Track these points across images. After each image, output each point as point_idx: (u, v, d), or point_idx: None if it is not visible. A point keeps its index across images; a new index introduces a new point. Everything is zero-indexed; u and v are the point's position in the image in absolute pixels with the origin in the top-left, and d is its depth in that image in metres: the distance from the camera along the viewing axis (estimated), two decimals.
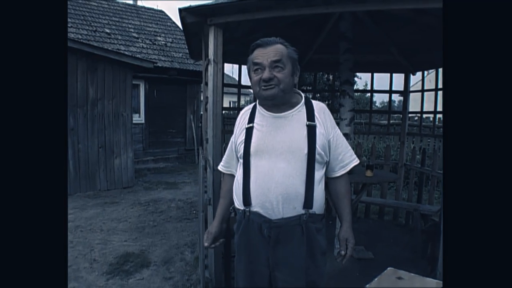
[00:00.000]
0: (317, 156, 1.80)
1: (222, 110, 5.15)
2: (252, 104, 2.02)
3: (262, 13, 2.64)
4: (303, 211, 1.79)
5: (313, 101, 1.96)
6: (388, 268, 2.43)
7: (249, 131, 1.89)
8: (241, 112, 2.04)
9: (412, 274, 2.32)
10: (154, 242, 4.63)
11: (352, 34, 3.86)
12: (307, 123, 1.83)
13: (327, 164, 1.93)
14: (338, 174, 1.95)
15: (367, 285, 2.21)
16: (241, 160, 1.91)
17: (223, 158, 2.17)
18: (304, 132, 1.81)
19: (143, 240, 4.72)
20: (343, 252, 1.90)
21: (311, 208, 1.80)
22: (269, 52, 1.78)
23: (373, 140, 9.45)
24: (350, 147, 1.98)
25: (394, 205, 5.31)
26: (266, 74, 1.76)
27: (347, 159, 1.94)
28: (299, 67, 1.91)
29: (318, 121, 1.86)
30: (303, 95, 1.95)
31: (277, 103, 1.85)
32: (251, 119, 1.92)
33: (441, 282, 2.14)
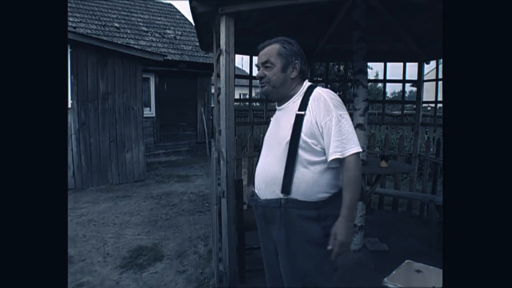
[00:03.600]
0: (302, 144, 1.85)
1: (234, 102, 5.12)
2: None
3: (273, 1, 2.59)
4: (281, 195, 1.89)
5: (316, 89, 1.94)
6: (406, 261, 2.39)
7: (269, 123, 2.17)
8: None
9: (431, 267, 2.27)
10: (167, 236, 4.63)
11: (365, 22, 3.78)
12: (297, 112, 1.90)
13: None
14: (330, 164, 1.86)
15: (385, 279, 2.17)
16: None
17: None
18: (291, 121, 1.90)
19: (155, 233, 4.72)
20: (329, 247, 1.81)
21: (289, 193, 1.87)
22: (261, 55, 2.02)
23: (386, 130, 9.36)
24: (344, 137, 1.82)
25: (408, 197, 5.23)
26: (258, 73, 2.04)
27: (338, 147, 1.80)
28: (304, 58, 2.03)
29: (309, 110, 1.88)
30: (306, 85, 2.00)
31: (274, 98, 2.07)
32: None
33: None
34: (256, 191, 2.05)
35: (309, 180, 1.86)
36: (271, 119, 2.14)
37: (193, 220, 5.25)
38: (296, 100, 1.96)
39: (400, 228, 4.78)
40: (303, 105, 1.90)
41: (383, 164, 3.73)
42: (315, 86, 1.97)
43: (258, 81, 2.09)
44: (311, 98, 1.90)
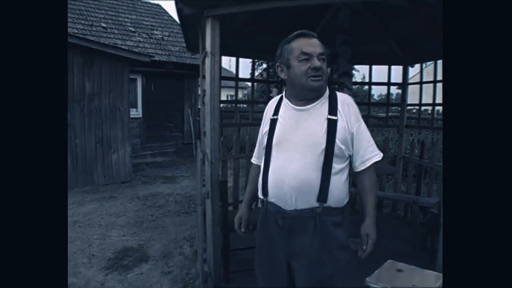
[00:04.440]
0: (336, 151, 1.80)
1: (220, 104, 5.14)
2: (279, 96, 2.04)
3: (259, 4, 2.61)
4: (316, 204, 1.79)
5: (338, 93, 1.94)
6: (388, 261, 2.43)
7: (273, 123, 1.93)
8: (269, 103, 2.07)
9: (412, 267, 2.32)
10: (153, 237, 4.63)
11: (349, 26, 3.83)
12: (328, 116, 1.83)
13: (351, 158, 1.91)
14: (358, 169, 1.93)
15: (367, 278, 2.21)
16: (264, 151, 1.96)
17: (255, 151, 2.19)
18: (324, 126, 1.81)
19: (141, 234, 4.71)
20: (364, 247, 1.91)
21: (325, 201, 1.79)
22: (315, 44, 1.81)
23: (372, 132, 9.38)
24: (373, 142, 1.94)
25: (392, 198, 5.30)
26: (318, 63, 1.78)
27: (368, 154, 1.91)
28: None
29: (340, 114, 1.84)
30: (328, 88, 1.94)
31: (316, 95, 1.87)
32: (276, 111, 1.96)
33: (441, 274, 2.15)
34: (275, 200, 1.86)
35: (340, 187, 1.85)
36: (278, 117, 1.93)
37: (179, 221, 5.25)
38: (324, 102, 1.88)
39: (385, 229, 4.81)
40: (333, 109, 1.85)
41: None
42: (334, 89, 1.97)
43: (301, 72, 1.80)
44: (339, 102, 1.88)
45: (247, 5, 2.64)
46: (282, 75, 1.91)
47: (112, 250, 4.18)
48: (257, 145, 2.15)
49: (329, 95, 1.90)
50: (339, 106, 1.86)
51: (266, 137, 1.93)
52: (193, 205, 5.99)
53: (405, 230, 4.79)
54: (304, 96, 1.88)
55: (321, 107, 1.86)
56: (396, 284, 2.16)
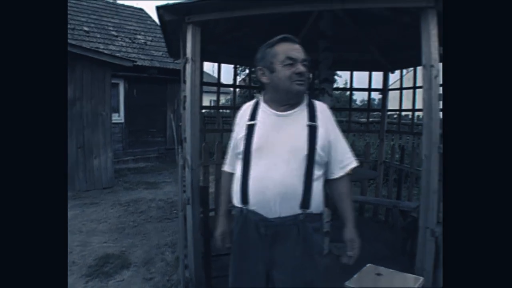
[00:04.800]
0: (317, 157, 1.81)
1: (202, 109, 5.13)
2: (254, 101, 2.01)
3: (240, 11, 2.63)
4: (300, 211, 1.79)
5: (316, 101, 1.97)
6: (368, 265, 2.46)
7: (251, 128, 1.88)
8: (242, 109, 2.03)
9: (391, 270, 2.34)
10: (135, 243, 4.59)
11: (331, 32, 3.87)
12: (308, 123, 1.84)
13: (327, 165, 1.92)
14: (337, 176, 1.94)
15: (347, 282, 2.23)
16: (240, 157, 1.90)
17: (228, 158, 2.13)
18: (305, 132, 1.82)
19: (123, 241, 4.67)
20: (349, 253, 1.94)
21: (308, 208, 1.80)
22: (299, 49, 1.83)
23: (353, 138, 9.53)
24: (349, 149, 1.99)
25: (373, 202, 5.36)
26: (303, 68, 1.80)
27: (346, 160, 1.94)
28: None
29: (319, 122, 1.86)
30: (306, 95, 1.95)
31: (299, 100, 1.88)
32: (253, 116, 1.92)
33: (420, 277, 2.19)
34: (257, 208, 1.82)
35: (320, 193, 1.87)
36: (257, 122, 1.89)
37: (161, 227, 5.22)
38: (303, 109, 1.89)
39: (366, 233, 4.85)
40: (312, 116, 1.87)
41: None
42: (312, 97, 1.99)
43: (285, 77, 1.80)
44: (318, 109, 1.90)
45: (228, 12, 2.65)
46: (264, 79, 1.89)
47: (93, 257, 4.13)
48: (229, 152, 2.11)
49: (308, 103, 1.92)
50: (317, 114, 1.88)
51: (243, 142, 1.87)
52: (175, 211, 5.95)
53: (386, 234, 4.85)
54: (287, 101, 1.87)
55: (301, 113, 1.87)
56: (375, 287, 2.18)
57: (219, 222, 2.13)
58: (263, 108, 1.93)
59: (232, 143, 2.05)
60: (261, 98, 1.98)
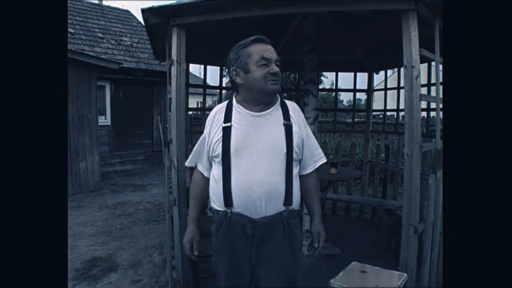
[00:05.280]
0: (294, 155, 1.87)
1: (188, 111, 5.13)
2: (225, 102, 2.01)
3: (225, 13, 2.65)
4: (283, 208, 1.84)
5: (286, 101, 2.02)
6: (353, 263, 2.50)
7: (227, 130, 1.87)
8: (214, 110, 2.02)
9: (376, 267, 2.39)
10: (122, 246, 4.58)
11: (316, 34, 3.91)
12: (284, 122, 1.89)
13: (300, 162, 2.00)
14: (308, 171, 2.03)
15: (332, 280, 2.27)
16: (218, 159, 1.89)
17: (191, 154, 2.10)
18: (282, 131, 1.86)
19: (110, 243, 4.65)
20: (316, 245, 2.01)
21: (291, 204, 1.86)
22: (272, 50, 1.86)
23: (339, 138, 9.61)
24: (318, 145, 2.08)
25: (359, 202, 5.43)
26: (277, 68, 1.83)
27: (316, 156, 2.03)
28: None
29: (293, 120, 1.92)
30: (278, 96, 2.00)
31: (272, 99, 1.92)
32: (228, 118, 1.91)
33: (404, 273, 2.24)
34: (242, 209, 1.82)
35: (298, 189, 1.94)
36: (233, 123, 1.88)
37: (148, 230, 5.21)
38: (277, 108, 1.93)
39: (352, 232, 4.94)
40: (287, 115, 1.91)
41: (333, 170, 3.86)
42: (282, 97, 2.05)
43: (260, 77, 1.82)
44: (290, 109, 1.96)
45: (213, 14, 2.68)
46: (238, 80, 1.88)
47: (80, 260, 4.12)
48: (194, 150, 2.07)
49: (281, 102, 1.97)
50: (290, 113, 1.94)
51: (220, 145, 1.86)
52: (162, 213, 5.95)
53: (372, 232, 4.91)
54: (261, 101, 1.89)
55: (276, 113, 1.91)
56: (359, 284, 2.21)
57: (187, 228, 2.09)
58: (238, 109, 1.92)
59: (201, 143, 2.03)
60: (234, 99, 1.98)
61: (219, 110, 1.99)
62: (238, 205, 1.82)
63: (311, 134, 2.04)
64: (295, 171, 1.91)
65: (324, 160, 2.07)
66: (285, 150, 1.83)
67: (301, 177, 2.02)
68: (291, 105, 2.00)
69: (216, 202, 1.90)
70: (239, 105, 1.93)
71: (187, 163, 2.17)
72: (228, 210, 1.84)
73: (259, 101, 1.89)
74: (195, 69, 53.57)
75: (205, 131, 2.00)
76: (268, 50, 1.84)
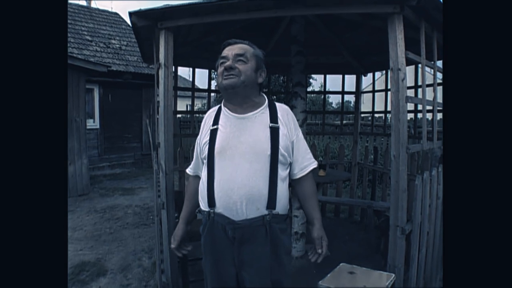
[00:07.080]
0: (280, 158, 1.84)
1: (177, 114, 5.12)
2: (217, 106, 2.04)
3: (212, 16, 2.66)
4: (266, 212, 1.81)
5: (277, 104, 2.00)
6: (341, 264, 2.51)
7: (213, 133, 1.90)
8: (207, 114, 2.06)
9: (364, 268, 2.40)
10: (111, 250, 4.54)
11: (303, 37, 3.94)
12: (270, 124, 1.87)
13: (290, 166, 1.97)
14: (297, 176, 1.99)
15: (320, 282, 2.27)
16: (205, 161, 1.92)
17: (192, 162, 2.17)
18: (267, 133, 1.84)
19: (99, 248, 4.61)
20: (319, 251, 1.95)
21: (274, 208, 1.82)
22: (235, 48, 1.87)
23: (328, 140, 9.67)
24: (309, 150, 2.05)
25: (348, 203, 5.45)
26: (229, 62, 1.83)
27: (306, 161, 1.99)
28: (265, 69, 1.97)
29: (281, 123, 1.90)
30: (266, 98, 2.00)
31: (238, 96, 1.88)
32: (216, 121, 1.94)
33: (392, 274, 2.25)
34: (223, 210, 1.83)
35: (285, 194, 1.91)
36: (219, 126, 1.91)
37: (137, 233, 5.18)
38: (264, 111, 1.91)
39: (342, 234, 4.96)
40: (274, 118, 1.89)
41: (321, 172, 3.88)
42: (271, 99, 2.03)
43: (218, 75, 1.87)
44: (279, 112, 1.93)
45: (200, 18, 2.68)
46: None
47: (69, 265, 4.07)
48: (194, 157, 2.14)
49: (269, 105, 1.95)
50: (279, 115, 1.92)
51: (207, 147, 1.90)
52: (151, 217, 5.92)
53: (362, 234, 4.94)
54: (230, 100, 1.92)
55: (262, 115, 1.90)
56: (347, 285, 2.22)
57: (177, 225, 2.15)
58: (224, 112, 1.95)
59: (196, 149, 2.08)
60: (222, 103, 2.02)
61: (210, 113, 2.04)
62: (219, 206, 1.83)
63: (302, 138, 2.00)
64: (283, 174, 1.88)
65: (314, 165, 2.03)
66: (269, 152, 1.81)
67: (295, 182, 2.01)
68: (281, 107, 1.98)
69: (202, 202, 1.93)
70: (225, 108, 1.96)
71: (187, 171, 2.23)
72: (211, 211, 1.86)
73: (229, 100, 1.93)
74: (184, 71, 53.46)
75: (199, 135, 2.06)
76: (228, 49, 1.88)
